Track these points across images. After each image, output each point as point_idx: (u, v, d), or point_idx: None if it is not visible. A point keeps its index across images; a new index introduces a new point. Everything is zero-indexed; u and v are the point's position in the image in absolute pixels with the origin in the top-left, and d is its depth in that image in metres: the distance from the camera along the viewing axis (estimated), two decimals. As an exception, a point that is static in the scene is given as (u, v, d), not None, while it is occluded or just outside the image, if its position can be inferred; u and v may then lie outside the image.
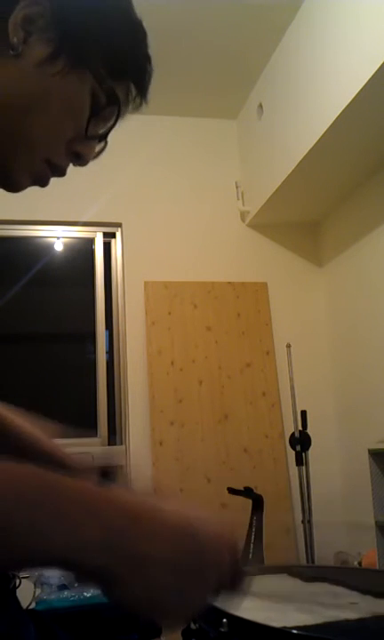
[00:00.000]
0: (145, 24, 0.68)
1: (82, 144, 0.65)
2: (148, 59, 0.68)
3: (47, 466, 0.44)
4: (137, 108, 0.69)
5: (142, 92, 0.68)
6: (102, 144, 0.69)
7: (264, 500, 2.83)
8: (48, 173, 0.66)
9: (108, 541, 0.44)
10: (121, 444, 3.51)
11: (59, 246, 3.84)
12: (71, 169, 0.70)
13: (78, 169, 0.71)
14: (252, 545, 2.65)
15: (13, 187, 0.66)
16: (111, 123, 0.66)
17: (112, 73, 0.63)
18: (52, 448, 0.80)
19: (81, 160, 0.67)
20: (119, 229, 3.78)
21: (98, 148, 0.69)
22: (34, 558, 0.44)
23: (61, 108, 0.61)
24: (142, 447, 3.36)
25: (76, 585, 2.46)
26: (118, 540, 0.45)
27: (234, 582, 0.54)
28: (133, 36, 0.67)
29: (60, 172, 0.67)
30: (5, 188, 0.66)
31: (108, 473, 0.73)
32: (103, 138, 0.68)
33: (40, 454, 0.78)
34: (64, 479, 0.45)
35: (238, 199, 3.87)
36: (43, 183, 0.67)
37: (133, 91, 0.67)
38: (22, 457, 0.44)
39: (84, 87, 0.62)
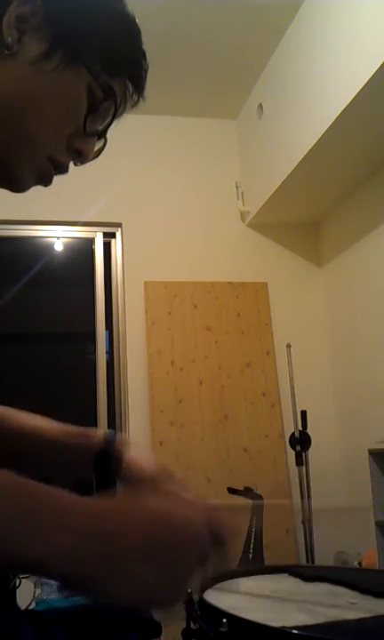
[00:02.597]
0: (145, 25, 0.68)
1: (81, 141, 0.65)
2: (142, 54, 0.68)
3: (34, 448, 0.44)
4: (134, 105, 0.69)
5: (139, 87, 0.68)
6: (102, 142, 0.69)
7: (264, 499, 2.83)
8: (51, 171, 0.66)
9: (80, 544, 0.44)
10: (121, 443, 3.51)
11: (59, 246, 3.84)
12: (71, 169, 0.70)
13: (78, 169, 0.71)
14: (252, 545, 2.65)
15: (18, 186, 0.66)
16: (109, 119, 0.66)
17: (107, 68, 0.63)
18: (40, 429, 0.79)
19: (81, 157, 0.67)
20: (119, 229, 3.78)
21: (97, 146, 0.69)
22: (8, 566, 0.44)
23: (59, 104, 0.62)
24: (142, 447, 3.35)
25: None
26: (89, 541, 0.45)
27: (218, 545, 0.54)
28: (127, 31, 0.67)
29: (63, 169, 0.67)
30: (10, 188, 0.66)
31: (106, 453, 0.73)
32: (102, 135, 0.68)
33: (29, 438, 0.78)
34: (30, 484, 0.45)
35: (238, 199, 3.87)
36: (46, 181, 0.67)
37: (130, 87, 0.67)
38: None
39: (80, 83, 0.62)
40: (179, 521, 0.50)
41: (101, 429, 0.73)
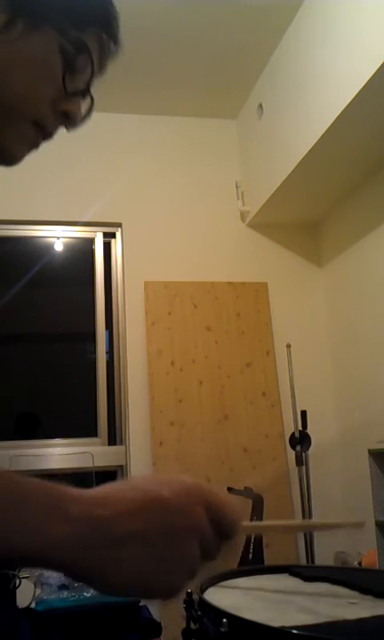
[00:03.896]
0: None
1: (66, 102, 0.64)
2: (109, 2, 0.66)
3: None
4: (113, 55, 0.67)
5: (112, 35, 0.66)
6: (89, 102, 0.67)
7: (264, 499, 2.83)
8: (39, 137, 0.65)
9: (77, 532, 0.44)
10: (121, 444, 3.51)
11: (59, 246, 3.84)
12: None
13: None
14: (252, 545, 2.65)
15: (8, 158, 0.65)
16: (88, 74, 0.65)
17: (75, 24, 0.62)
18: None
19: (70, 120, 0.66)
20: (119, 229, 3.78)
21: (85, 107, 0.67)
22: (8, 562, 0.44)
23: (31, 70, 0.61)
24: (142, 447, 3.36)
25: (76, 585, 2.46)
26: (86, 528, 0.45)
27: (224, 535, 0.52)
28: None
29: (48, 135, 0.66)
30: (1, 163, 0.65)
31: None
32: (86, 92, 0.66)
33: None
34: (19, 477, 0.45)
35: (238, 199, 3.87)
36: (34, 147, 0.66)
37: (103, 36, 0.65)
38: None
39: (49, 44, 0.61)
40: (175, 505, 0.49)
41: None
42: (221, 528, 0.52)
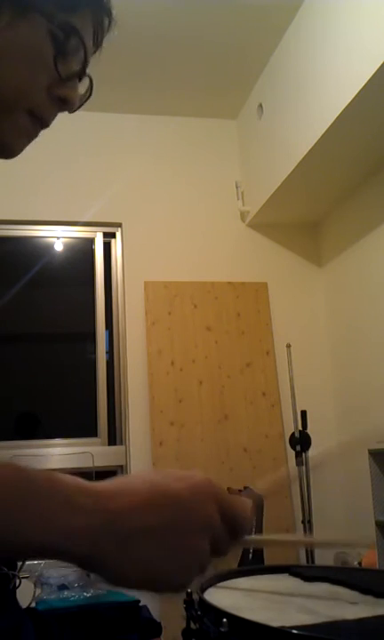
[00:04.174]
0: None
1: (62, 87, 0.63)
2: None
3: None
4: (109, 30, 0.66)
5: (104, 10, 0.65)
6: (87, 85, 0.67)
7: (264, 500, 2.83)
8: (36, 127, 0.64)
9: (89, 523, 0.45)
10: (121, 444, 3.51)
11: (59, 246, 3.84)
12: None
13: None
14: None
15: (7, 151, 0.64)
16: (81, 56, 0.64)
17: (62, 7, 0.61)
18: None
19: (67, 104, 0.64)
20: (119, 229, 3.78)
21: (83, 90, 0.66)
22: (22, 554, 0.44)
23: (22, 59, 0.60)
24: (142, 447, 3.36)
25: (76, 585, 2.46)
26: (101, 521, 0.45)
27: (234, 532, 0.52)
28: None
29: (45, 124, 0.65)
30: (0, 156, 0.64)
31: None
32: (81, 75, 0.65)
33: None
34: (30, 471, 0.45)
35: (238, 199, 3.87)
36: (32, 137, 0.65)
37: (94, 16, 0.64)
38: None
39: (38, 31, 0.60)
40: (188, 501, 0.50)
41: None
42: (232, 525, 0.52)
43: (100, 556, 0.45)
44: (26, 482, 0.44)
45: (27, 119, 0.62)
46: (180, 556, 0.48)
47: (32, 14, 0.59)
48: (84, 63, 0.64)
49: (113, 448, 3.49)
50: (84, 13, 0.63)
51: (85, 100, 0.67)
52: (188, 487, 0.50)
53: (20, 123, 0.62)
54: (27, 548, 0.43)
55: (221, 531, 0.51)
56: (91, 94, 0.67)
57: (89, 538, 0.44)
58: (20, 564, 0.66)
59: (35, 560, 0.47)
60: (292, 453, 3.10)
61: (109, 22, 0.65)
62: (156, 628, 2.36)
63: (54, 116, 0.65)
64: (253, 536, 0.72)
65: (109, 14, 0.65)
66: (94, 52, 0.66)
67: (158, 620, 2.42)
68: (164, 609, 2.70)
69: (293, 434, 3.08)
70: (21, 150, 0.65)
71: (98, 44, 0.66)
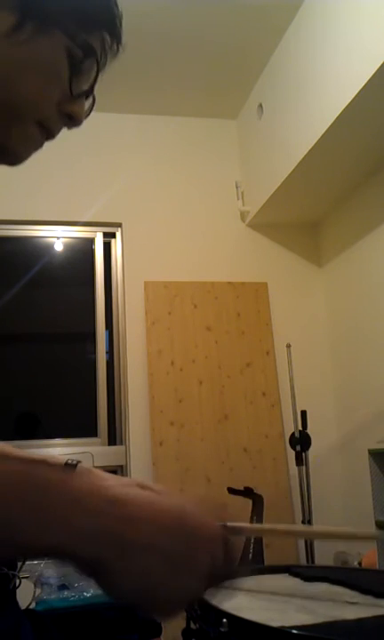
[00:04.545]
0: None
1: (71, 104, 0.64)
2: (114, 2, 0.66)
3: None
4: (115, 55, 0.67)
5: (116, 37, 0.66)
6: (91, 101, 0.68)
7: (264, 499, 2.83)
8: (43, 138, 0.65)
9: (96, 528, 0.45)
10: (121, 444, 3.51)
11: (59, 246, 3.84)
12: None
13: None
14: (252, 545, 2.65)
15: (13, 158, 0.65)
16: (93, 76, 0.65)
17: (82, 26, 0.62)
18: None
19: (74, 121, 0.66)
20: (119, 229, 3.78)
21: (87, 106, 0.68)
22: (27, 552, 0.44)
23: (39, 73, 0.61)
24: (142, 447, 3.36)
25: (76, 585, 2.46)
26: (105, 526, 0.45)
27: (227, 569, 0.53)
28: None
29: (52, 135, 0.66)
30: (6, 163, 0.65)
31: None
32: (89, 93, 0.66)
33: None
34: (40, 470, 0.45)
35: (238, 199, 3.87)
36: (38, 147, 0.66)
37: (108, 38, 0.66)
38: None
39: (57, 47, 0.61)
40: (195, 521, 0.50)
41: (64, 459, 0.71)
42: (228, 554, 0.52)
43: (103, 561, 0.45)
44: (34, 480, 0.44)
45: (36, 129, 0.63)
46: (179, 575, 0.48)
47: (54, 30, 0.60)
48: (94, 83, 0.65)
49: (113, 448, 3.49)
50: (99, 34, 0.64)
51: (87, 116, 0.68)
52: (196, 506, 0.51)
53: (29, 132, 0.63)
54: (30, 547, 0.44)
55: (222, 555, 0.51)
56: (90, 112, 0.68)
57: (94, 541, 0.44)
58: (19, 564, 0.66)
59: (37, 560, 0.47)
60: (292, 453, 3.10)
61: (117, 48, 0.67)
62: (156, 628, 2.36)
63: (60, 129, 0.66)
64: (265, 525, 0.72)
65: (120, 41, 0.67)
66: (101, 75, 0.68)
67: (158, 620, 2.42)
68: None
69: (293, 434, 3.07)
70: (27, 158, 0.66)
71: (103, 67, 0.67)
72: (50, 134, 0.65)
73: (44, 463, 0.47)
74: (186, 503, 0.51)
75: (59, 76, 0.62)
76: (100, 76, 0.66)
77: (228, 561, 0.52)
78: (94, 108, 0.69)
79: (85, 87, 0.65)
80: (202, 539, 0.49)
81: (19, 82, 0.60)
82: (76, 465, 0.67)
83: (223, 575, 0.53)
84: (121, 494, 0.48)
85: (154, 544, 0.46)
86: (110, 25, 0.65)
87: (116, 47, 0.67)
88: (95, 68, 0.65)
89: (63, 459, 0.69)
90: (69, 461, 0.66)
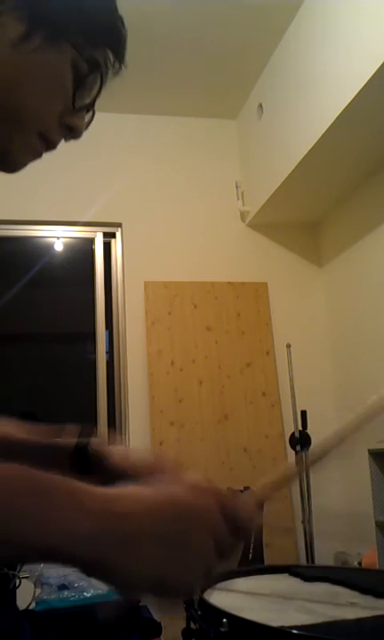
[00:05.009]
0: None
1: (72, 116, 0.65)
2: (120, 20, 0.67)
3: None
4: (117, 73, 0.68)
5: (120, 55, 0.67)
6: (90, 114, 0.69)
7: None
8: (42, 148, 0.66)
9: (97, 528, 0.45)
10: (121, 443, 3.51)
11: (59, 246, 3.84)
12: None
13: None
14: (251, 545, 2.65)
15: (12, 166, 0.66)
16: (96, 90, 0.66)
17: (89, 41, 0.63)
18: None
19: (74, 133, 0.67)
20: (119, 229, 3.78)
21: (87, 119, 0.69)
22: (29, 557, 0.44)
23: (45, 83, 0.61)
24: (142, 447, 3.36)
25: (76, 585, 2.46)
26: (106, 524, 0.45)
27: (238, 532, 0.53)
28: (104, 0, 0.66)
29: (52, 146, 0.67)
30: (5, 170, 0.66)
31: (83, 450, 0.72)
32: (90, 107, 0.67)
33: None
34: (41, 474, 0.45)
35: (238, 199, 3.87)
36: (37, 156, 0.67)
37: (111, 55, 0.66)
38: None
39: (63, 60, 0.61)
40: (191, 505, 0.50)
41: (77, 428, 0.72)
42: (235, 525, 0.53)
43: (105, 560, 0.45)
44: (34, 483, 0.44)
45: (37, 140, 0.64)
46: (186, 559, 0.48)
47: (61, 42, 0.61)
48: (96, 97, 0.66)
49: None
50: (104, 51, 0.65)
51: (86, 129, 0.69)
52: (191, 491, 0.51)
53: (31, 142, 0.64)
54: (30, 551, 0.44)
55: (225, 532, 0.52)
56: (90, 124, 0.69)
57: (93, 542, 0.45)
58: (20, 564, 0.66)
59: (40, 563, 0.47)
60: (292, 453, 3.10)
61: (120, 66, 0.67)
62: (156, 627, 2.36)
63: (60, 141, 0.67)
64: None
65: (122, 59, 0.67)
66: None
67: (158, 620, 2.42)
68: (164, 609, 2.70)
69: (293, 434, 3.07)
70: (25, 167, 0.67)
71: (104, 83, 0.68)
72: (50, 145, 0.66)
73: (44, 463, 0.47)
74: (179, 489, 0.51)
75: (63, 88, 0.62)
76: (102, 91, 0.67)
77: (240, 527, 0.53)
78: (92, 121, 0.69)
79: (87, 101, 0.66)
80: (199, 518, 0.50)
81: (25, 90, 0.60)
82: (87, 445, 0.68)
83: (239, 541, 0.54)
84: (114, 493, 0.48)
85: (152, 534, 0.47)
86: (115, 42, 0.66)
87: (118, 65, 0.67)
88: (98, 83, 0.65)
89: (73, 441, 0.70)
90: (80, 442, 0.66)
